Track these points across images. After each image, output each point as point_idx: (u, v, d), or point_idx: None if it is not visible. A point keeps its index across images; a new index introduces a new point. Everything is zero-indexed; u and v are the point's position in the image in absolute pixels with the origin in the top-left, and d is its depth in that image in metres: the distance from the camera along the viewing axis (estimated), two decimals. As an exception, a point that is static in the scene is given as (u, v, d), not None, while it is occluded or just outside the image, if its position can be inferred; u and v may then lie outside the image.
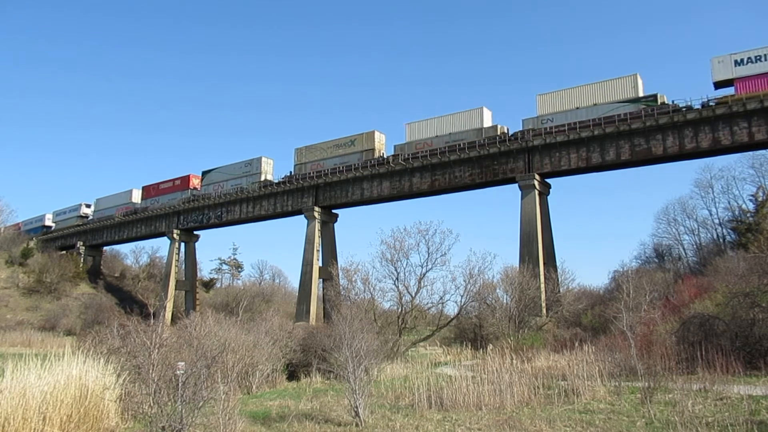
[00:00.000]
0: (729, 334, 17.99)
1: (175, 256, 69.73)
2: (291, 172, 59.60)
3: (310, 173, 56.64)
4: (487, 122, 48.26)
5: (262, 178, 61.34)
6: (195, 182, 69.11)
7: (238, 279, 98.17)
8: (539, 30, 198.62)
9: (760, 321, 17.45)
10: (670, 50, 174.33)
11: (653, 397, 12.12)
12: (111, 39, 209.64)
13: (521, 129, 46.31)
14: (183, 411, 9.52)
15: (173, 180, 71.72)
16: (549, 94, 45.63)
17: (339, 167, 54.67)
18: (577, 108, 43.56)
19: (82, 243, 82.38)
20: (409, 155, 50.54)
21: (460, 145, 48.05)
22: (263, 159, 62.65)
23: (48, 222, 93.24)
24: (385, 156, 53.28)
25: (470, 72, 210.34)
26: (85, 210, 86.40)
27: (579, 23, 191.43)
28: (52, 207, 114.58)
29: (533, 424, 10.88)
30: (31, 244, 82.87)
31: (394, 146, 52.90)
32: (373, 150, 53.76)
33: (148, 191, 74.92)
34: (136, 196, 77.22)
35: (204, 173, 67.70)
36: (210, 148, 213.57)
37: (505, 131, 47.55)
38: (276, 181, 60.86)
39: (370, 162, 53.17)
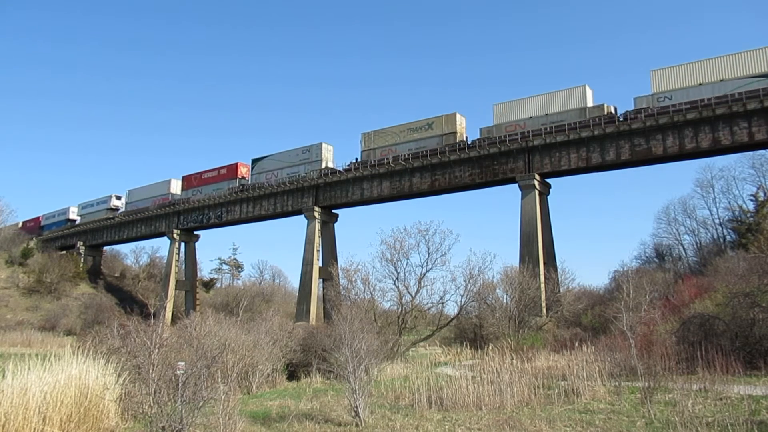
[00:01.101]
0: (729, 334, 17.99)
1: (175, 256, 69.74)
2: (357, 159, 54.97)
3: (378, 160, 52.39)
4: (591, 101, 43.99)
5: (323, 166, 56.49)
6: (243, 171, 64.52)
7: (238, 279, 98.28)
8: (538, 30, 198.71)
9: (760, 321, 17.45)
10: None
11: (653, 397, 12.12)
12: (111, 39, 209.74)
13: (633, 108, 41.72)
14: (183, 411, 9.51)
15: (218, 169, 67.10)
16: (665, 70, 41.35)
17: (414, 152, 50.39)
18: (701, 84, 39.40)
19: (82, 243, 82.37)
20: (497, 138, 46.11)
21: (559, 127, 43.55)
22: (324, 145, 57.66)
23: (72, 215, 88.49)
24: (468, 140, 48.92)
25: (471, 72, 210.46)
26: (115, 202, 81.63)
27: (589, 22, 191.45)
28: (52, 207, 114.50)
29: (533, 424, 10.88)
30: (31, 244, 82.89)
31: (480, 129, 48.23)
32: (455, 134, 49.00)
33: (188, 181, 69.95)
34: (175, 187, 72.40)
35: (254, 161, 63.10)
36: (210, 148, 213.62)
37: (612, 111, 42.85)
38: (340, 168, 55.80)
39: (451, 147, 48.45)
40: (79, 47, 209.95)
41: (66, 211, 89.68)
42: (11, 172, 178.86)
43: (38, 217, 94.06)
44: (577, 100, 44.21)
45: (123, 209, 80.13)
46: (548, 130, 43.95)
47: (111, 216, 79.45)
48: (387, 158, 51.81)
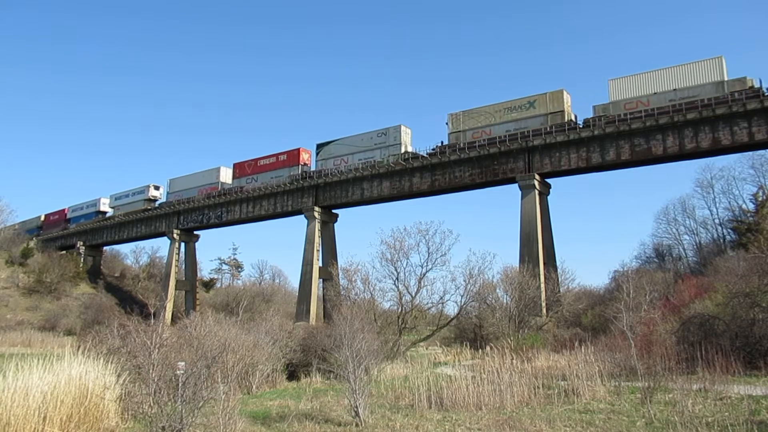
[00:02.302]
0: (729, 334, 18.00)
1: (175, 256, 69.74)
2: (442, 142, 49.92)
3: (470, 143, 47.47)
4: (729, 74, 39.19)
5: (402, 150, 51.38)
6: (305, 157, 59.88)
7: (238, 279, 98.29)
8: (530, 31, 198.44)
9: (760, 321, 17.46)
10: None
11: (653, 397, 12.12)
12: (111, 39, 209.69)
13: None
14: (183, 411, 9.52)
15: (277, 155, 62.01)
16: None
17: (513, 134, 45.61)
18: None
19: (82, 243, 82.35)
20: (616, 117, 41.41)
21: (690, 104, 39.09)
22: (402, 128, 52.48)
23: (103, 207, 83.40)
24: (576, 120, 43.93)
25: (474, 73, 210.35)
26: (153, 192, 76.34)
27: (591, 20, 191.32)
28: (51, 207, 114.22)
29: (533, 424, 10.88)
30: (31, 244, 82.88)
31: (594, 107, 43.29)
32: (561, 112, 44.00)
33: (241, 169, 64.94)
34: (226, 175, 67.39)
35: (319, 146, 58.17)
36: (211, 147, 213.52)
37: (754, 85, 37.86)
38: (423, 153, 50.65)
39: (558, 127, 43.58)
40: (79, 47, 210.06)
41: (96, 203, 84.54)
42: (11, 172, 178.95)
43: (64, 210, 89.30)
44: (713, 72, 39.55)
45: (163, 200, 75.07)
46: (678, 107, 39.57)
47: (149, 207, 74.62)
48: (480, 141, 46.88)
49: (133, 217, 75.73)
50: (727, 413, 10.64)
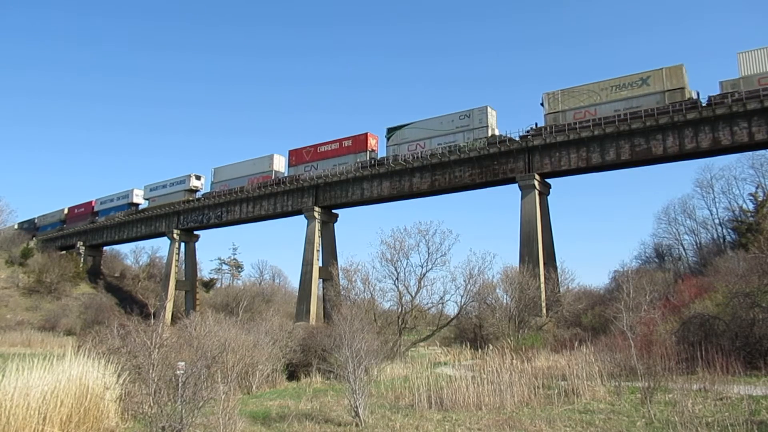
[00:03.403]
0: (729, 334, 17.99)
1: (175, 256, 69.74)
2: (537, 124, 46.21)
3: (570, 124, 43.56)
4: None
5: (489, 134, 47.49)
6: (372, 143, 55.50)
7: (238, 279, 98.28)
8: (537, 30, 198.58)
9: (760, 321, 17.45)
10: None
11: (653, 397, 12.13)
12: (111, 39, 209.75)
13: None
14: (183, 411, 9.52)
15: (341, 141, 57.43)
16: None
17: (623, 114, 41.36)
18: None
19: (82, 243, 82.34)
20: (744, 94, 37.17)
21: None
22: (488, 109, 48.30)
23: (137, 199, 78.85)
24: (695, 98, 39.87)
25: (472, 73, 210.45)
26: (194, 182, 71.16)
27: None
28: (51, 207, 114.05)
29: (533, 424, 10.88)
30: (31, 244, 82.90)
31: (721, 83, 38.99)
32: (681, 90, 39.96)
33: (298, 156, 60.36)
34: (279, 164, 63.11)
35: (390, 130, 53.42)
36: (210, 148, 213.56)
37: None
38: (508, 136, 46.74)
39: (676, 106, 39.23)
40: (79, 47, 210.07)
41: (128, 195, 79.83)
42: (11, 172, 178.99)
43: (90, 202, 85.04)
44: None
45: (206, 190, 70.42)
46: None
47: (190, 198, 69.91)
48: (584, 122, 43.06)
49: (133, 217, 75.72)
50: (727, 413, 10.64)
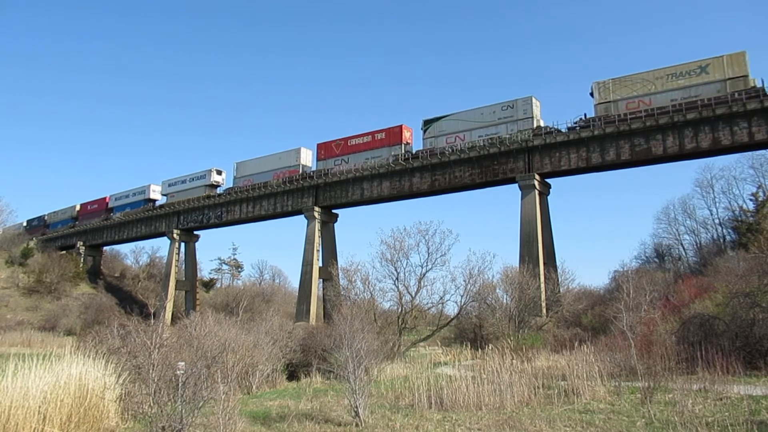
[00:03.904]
0: (729, 334, 17.98)
1: (175, 256, 69.76)
2: (586, 115, 44.41)
3: (622, 115, 41.80)
4: None
5: (534, 125, 45.49)
6: (407, 135, 53.34)
7: (238, 279, 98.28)
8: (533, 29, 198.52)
9: (760, 321, 17.44)
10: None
11: (653, 397, 12.13)
12: (111, 39, 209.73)
13: None
14: (183, 411, 9.52)
15: (373, 133, 54.87)
16: None
17: (679, 104, 39.46)
18: None
19: (82, 243, 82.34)
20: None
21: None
22: (533, 100, 46.23)
23: (154, 194, 76.32)
24: (758, 86, 37.75)
25: (475, 73, 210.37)
26: (215, 178, 68.70)
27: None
28: (51, 207, 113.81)
29: (533, 424, 10.87)
30: (31, 244, 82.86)
31: None
32: (745, 78, 38.03)
33: (327, 150, 57.83)
34: (307, 158, 60.88)
35: (427, 122, 51.28)
36: (213, 147, 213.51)
37: None
38: (564, 129, 44.49)
39: (735, 96, 37.51)
40: (79, 47, 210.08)
41: (145, 190, 77.45)
42: (11, 172, 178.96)
43: (104, 198, 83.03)
44: None
45: (228, 185, 68.06)
46: None
47: (211, 194, 67.49)
48: (637, 112, 41.36)
49: (133, 217, 75.70)
50: (727, 413, 10.64)
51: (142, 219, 74.83)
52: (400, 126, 53.39)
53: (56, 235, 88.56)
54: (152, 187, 76.73)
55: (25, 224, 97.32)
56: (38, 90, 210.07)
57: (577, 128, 43.64)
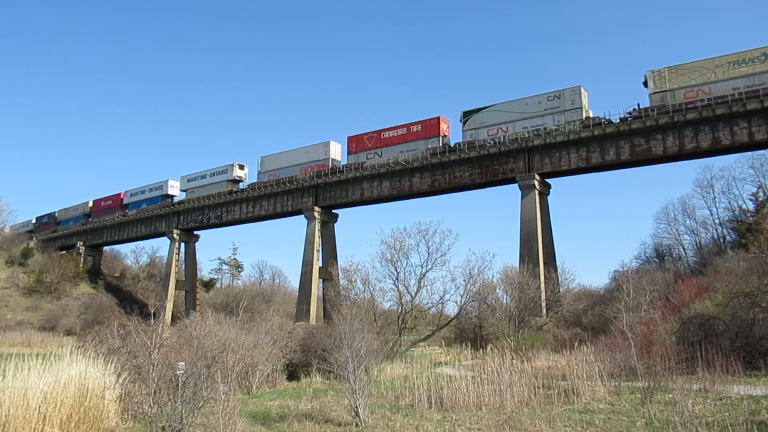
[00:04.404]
0: (729, 334, 17.99)
1: (175, 256, 69.77)
2: (639, 105, 41.97)
3: (679, 105, 39.68)
4: None
5: (583, 116, 43.43)
6: (444, 128, 51.26)
7: (238, 279, 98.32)
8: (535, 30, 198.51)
9: (760, 321, 17.45)
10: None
11: (653, 397, 12.13)
12: (111, 39, 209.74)
13: None
14: (183, 411, 9.52)
15: (408, 126, 52.77)
16: None
17: (740, 93, 37.75)
18: None
19: (82, 243, 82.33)
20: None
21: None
22: (581, 89, 44.30)
23: (172, 190, 73.98)
24: None
25: (471, 73, 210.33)
26: (238, 172, 66.78)
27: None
28: (52, 207, 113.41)
29: (533, 424, 10.87)
30: (31, 244, 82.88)
31: None
32: None
33: (359, 143, 55.43)
34: (336, 151, 58.72)
35: (466, 114, 49.25)
36: (212, 147, 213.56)
37: None
38: (615, 119, 42.46)
39: None
40: (79, 47, 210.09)
41: (162, 186, 75.04)
42: (11, 172, 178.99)
43: (119, 194, 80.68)
44: None
45: (252, 180, 65.44)
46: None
47: (234, 189, 65.21)
48: (694, 102, 39.67)
49: (133, 217, 75.70)
50: (727, 413, 10.64)
51: (142, 219, 74.82)
52: (438, 117, 51.25)
53: (56, 235, 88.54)
54: (170, 182, 74.62)
55: (34, 221, 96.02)
56: (38, 90, 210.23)
57: (630, 119, 41.47)
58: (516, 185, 45.44)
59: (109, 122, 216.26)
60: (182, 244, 71.08)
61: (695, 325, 18.88)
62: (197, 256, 74.52)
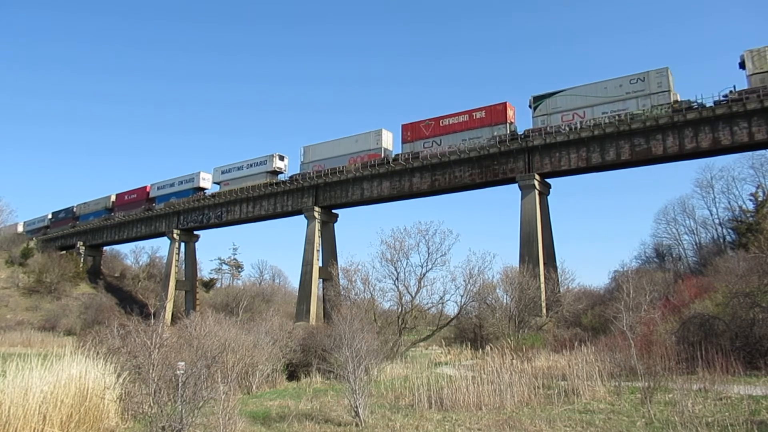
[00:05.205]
0: (729, 334, 17.99)
1: (175, 256, 69.77)
2: (735, 87, 39.16)
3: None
4: None
5: (671, 99, 40.50)
6: (510, 114, 48.62)
7: (238, 279, 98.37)
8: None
9: (760, 321, 17.45)
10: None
11: (653, 397, 12.12)
12: (111, 39, 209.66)
13: None
14: (183, 411, 9.51)
15: (470, 112, 49.81)
16: None
17: None
18: None
19: (82, 243, 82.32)
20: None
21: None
22: (668, 71, 41.23)
23: (204, 183, 70.62)
24: None
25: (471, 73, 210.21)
26: (278, 163, 63.31)
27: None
28: (51, 207, 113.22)
29: (533, 424, 10.87)
30: (31, 244, 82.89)
31: None
32: None
33: (415, 131, 52.50)
34: (388, 140, 55.42)
35: (537, 99, 46.43)
36: (212, 147, 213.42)
37: None
38: (699, 102, 39.87)
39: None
40: (79, 47, 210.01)
41: (194, 178, 71.20)
42: (11, 172, 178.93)
43: (145, 187, 77.09)
44: None
45: (294, 171, 62.33)
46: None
47: (273, 181, 62.10)
48: None
49: (133, 217, 75.69)
50: (727, 413, 10.64)
51: (142, 219, 74.82)
52: (504, 103, 48.50)
53: (56, 235, 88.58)
54: (202, 174, 71.12)
55: (50, 216, 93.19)
56: (38, 90, 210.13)
57: (728, 102, 38.52)
58: (516, 185, 45.44)
59: (108, 122, 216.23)
60: (182, 244, 71.07)
61: (695, 325, 18.88)
62: (197, 256, 74.66)
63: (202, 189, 70.66)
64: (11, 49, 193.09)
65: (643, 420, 10.88)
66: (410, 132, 53.09)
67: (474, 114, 49.68)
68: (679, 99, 40.71)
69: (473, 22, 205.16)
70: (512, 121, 48.40)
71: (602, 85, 44.00)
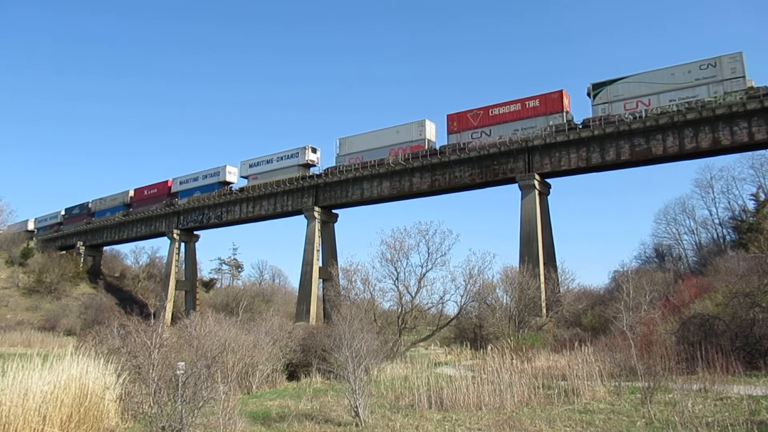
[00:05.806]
0: (729, 334, 17.99)
1: (175, 256, 69.78)
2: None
3: None
4: None
5: (745, 86, 38.34)
6: (566, 102, 46.46)
7: (238, 279, 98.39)
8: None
9: (760, 321, 17.45)
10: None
11: (653, 397, 12.12)
12: (111, 39, 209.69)
13: None
14: (183, 411, 9.51)
15: (522, 101, 47.50)
16: None
17: None
18: None
19: (82, 243, 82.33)
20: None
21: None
22: (742, 56, 39.20)
23: (230, 177, 67.96)
24: None
25: (469, 73, 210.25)
26: (311, 156, 60.38)
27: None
28: (51, 207, 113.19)
29: (533, 424, 10.87)
30: (31, 244, 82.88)
31: None
32: None
33: (462, 121, 49.82)
34: (431, 131, 52.54)
35: (597, 86, 44.01)
36: (213, 147, 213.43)
37: None
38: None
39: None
40: (79, 47, 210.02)
41: (219, 172, 68.48)
42: (11, 172, 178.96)
43: (166, 182, 74.44)
44: None
45: (327, 164, 61.10)
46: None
47: (304, 175, 59.45)
48: None
49: (133, 217, 75.71)
50: (727, 413, 10.63)
51: (142, 219, 74.84)
52: (560, 91, 46.26)
53: (57, 235, 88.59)
54: (228, 168, 68.35)
55: (63, 213, 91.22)
56: (38, 90, 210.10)
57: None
58: (516, 185, 45.43)
59: (108, 122, 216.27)
60: (182, 244, 71.08)
61: (695, 325, 18.88)
62: (197, 256, 74.63)
63: (228, 183, 68.15)
64: (11, 49, 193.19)
65: (643, 420, 10.88)
66: (456, 122, 50.27)
67: (527, 103, 47.37)
68: (754, 85, 38.63)
69: (473, 22, 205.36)
70: (568, 110, 46.40)
71: (669, 72, 41.76)
